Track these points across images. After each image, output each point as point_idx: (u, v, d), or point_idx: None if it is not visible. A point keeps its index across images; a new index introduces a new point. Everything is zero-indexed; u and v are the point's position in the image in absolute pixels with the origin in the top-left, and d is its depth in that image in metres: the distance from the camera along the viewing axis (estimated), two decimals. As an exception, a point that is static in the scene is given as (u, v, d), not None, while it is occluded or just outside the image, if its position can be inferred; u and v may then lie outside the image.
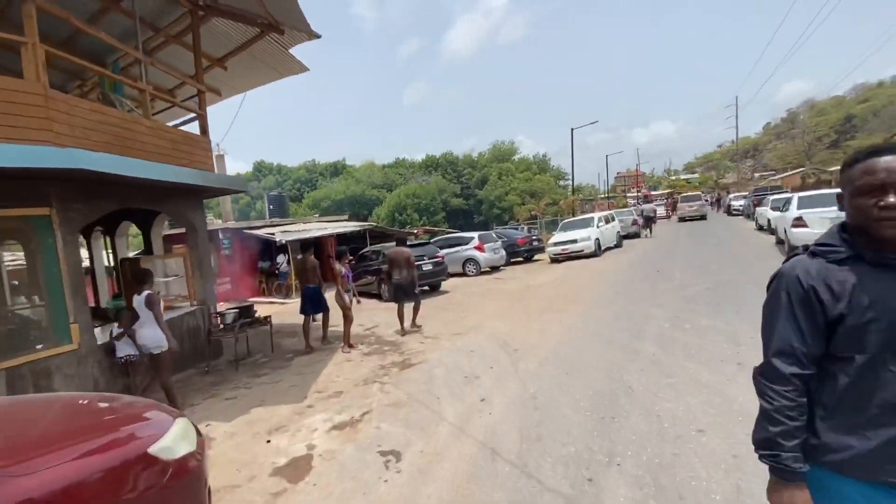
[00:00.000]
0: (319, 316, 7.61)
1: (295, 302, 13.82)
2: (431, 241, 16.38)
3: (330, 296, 7.25)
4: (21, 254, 4.35)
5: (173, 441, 2.24)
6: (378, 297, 12.12)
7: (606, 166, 44.47)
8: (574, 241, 15.17)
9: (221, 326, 6.66)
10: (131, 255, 10.03)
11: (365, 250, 13.09)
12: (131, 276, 6.72)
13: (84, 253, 11.40)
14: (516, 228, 35.00)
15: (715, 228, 20.88)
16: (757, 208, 18.16)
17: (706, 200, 34.32)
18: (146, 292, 4.82)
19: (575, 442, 3.30)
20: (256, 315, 7.43)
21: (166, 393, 4.82)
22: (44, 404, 2.64)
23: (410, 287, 7.43)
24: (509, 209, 53.81)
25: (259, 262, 16.16)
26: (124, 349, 4.99)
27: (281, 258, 15.65)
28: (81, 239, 10.95)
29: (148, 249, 8.32)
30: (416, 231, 21.22)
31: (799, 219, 9.99)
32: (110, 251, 9.29)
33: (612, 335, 5.84)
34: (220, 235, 15.42)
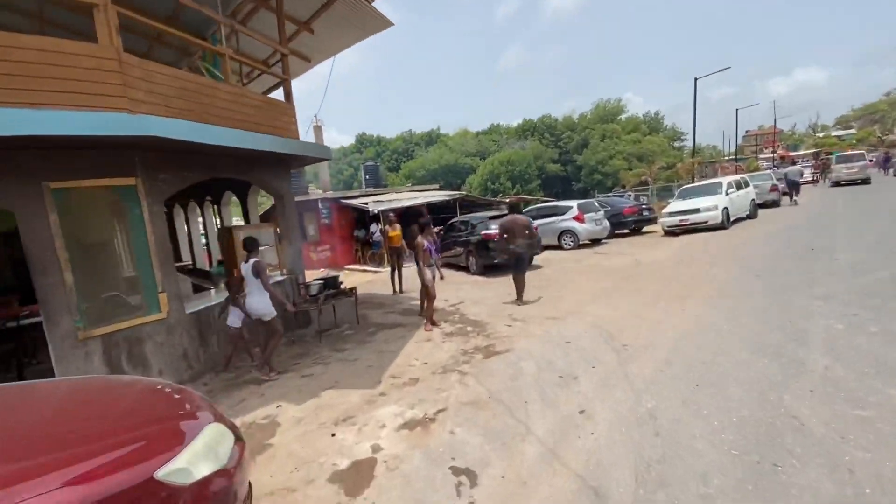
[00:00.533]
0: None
1: (388, 271, 13.98)
2: (524, 210, 15.30)
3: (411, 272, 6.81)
4: (114, 224, 4.42)
5: (191, 460, 1.83)
6: (466, 269, 11.59)
7: (736, 123, 37.86)
8: (696, 211, 12.92)
9: (306, 298, 6.63)
10: (231, 223, 10.76)
11: (454, 220, 12.54)
12: (239, 244, 7.00)
13: (200, 220, 12.62)
14: (621, 196, 31.93)
15: (885, 195, 16.45)
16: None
17: (871, 160, 27.13)
18: (253, 260, 4.84)
19: (718, 497, 2.35)
20: (342, 286, 7.33)
21: (265, 360, 4.96)
22: (39, 398, 2.35)
23: (529, 257, 7.19)
24: (613, 175, 49.38)
25: (355, 231, 16.63)
26: (232, 319, 5.16)
27: (374, 227, 15.89)
28: (197, 207, 12.07)
29: (246, 218, 8.67)
30: (507, 199, 20.12)
31: None
32: (219, 219, 9.95)
33: (758, 335, 4.50)
34: (320, 205, 16.08)
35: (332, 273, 9.27)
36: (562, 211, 13.82)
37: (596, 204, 14.30)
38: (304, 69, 10.11)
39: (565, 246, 13.59)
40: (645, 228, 15.65)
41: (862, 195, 17.97)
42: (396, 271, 9.79)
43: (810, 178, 28.58)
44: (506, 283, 9.52)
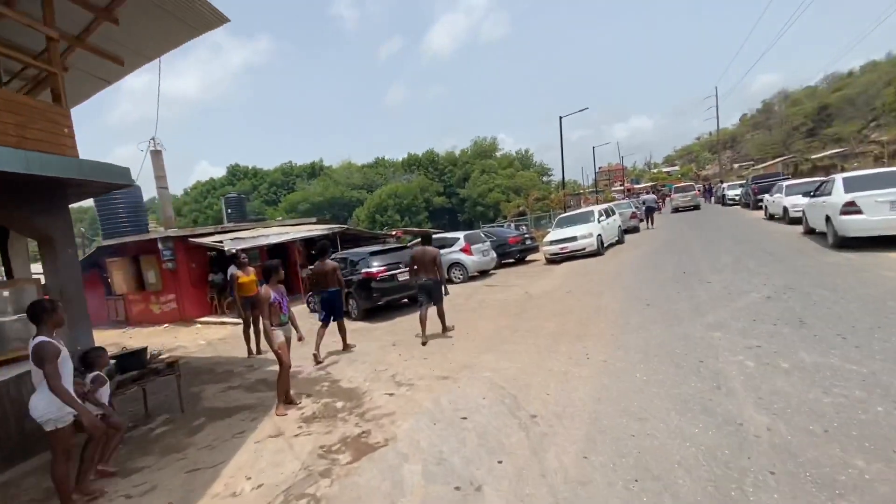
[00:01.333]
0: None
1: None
2: (409, 244, 14.32)
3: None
4: None
5: None
6: (346, 314, 9.96)
7: (593, 158, 42.90)
8: (574, 239, 13.24)
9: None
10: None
11: (340, 255, 10.90)
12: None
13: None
14: (502, 226, 33.22)
15: (716, 219, 19.28)
16: (766, 196, 16.55)
17: (697, 190, 33.18)
18: (38, 340, 3.14)
19: None
20: (157, 359, 5.24)
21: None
22: None
23: (436, 289, 6.75)
24: (494, 206, 51.97)
25: (210, 275, 13.79)
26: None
27: (233, 270, 13.31)
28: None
29: (7, 270, 5.99)
30: (394, 233, 19.05)
31: (851, 203, 8.20)
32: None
33: (676, 384, 3.84)
34: (161, 245, 13.02)
35: (135, 346, 6.87)
36: (449, 243, 13.12)
37: (482, 235, 13.93)
38: (119, 75, 7.87)
39: (455, 279, 12.81)
40: (529, 257, 15.78)
41: (698, 219, 20.91)
42: (252, 327, 7.80)
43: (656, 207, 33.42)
44: (392, 328, 8.18)
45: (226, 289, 13.15)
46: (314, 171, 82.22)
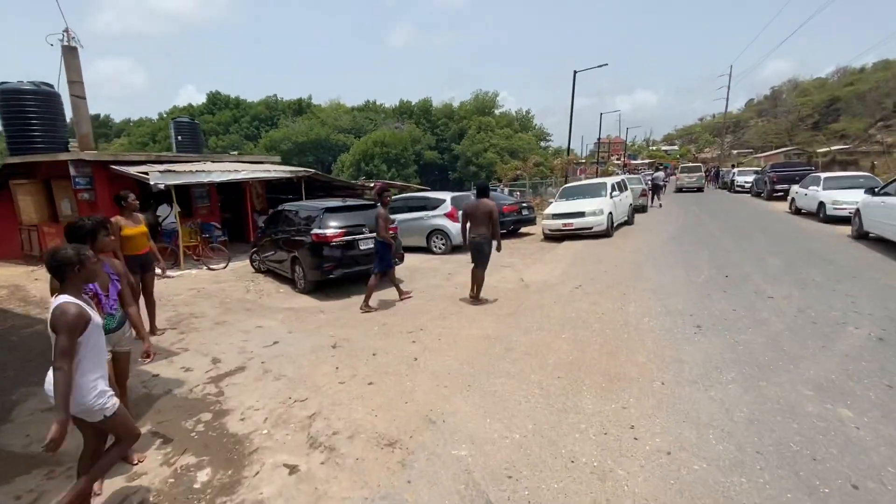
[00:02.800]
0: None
1: (183, 274, 9.38)
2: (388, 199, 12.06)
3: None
4: None
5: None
6: (292, 283, 7.84)
7: (600, 126, 40.17)
8: (581, 215, 11.13)
9: None
10: None
11: (280, 208, 8.58)
12: None
13: None
14: (495, 190, 30.78)
15: (731, 206, 17.42)
16: (794, 188, 14.60)
17: (704, 173, 31.66)
18: (60, 299, 2.28)
19: None
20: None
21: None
22: None
23: (486, 247, 6.09)
24: (487, 167, 49.10)
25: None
26: None
27: (164, 209, 10.90)
28: None
29: None
30: (372, 184, 16.57)
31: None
32: None
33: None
34: (73, 170, 10.42)
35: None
36: (433, 204, 10.89)
37: (472, 197, 11.66)
38: None
39: (435, 249, 10.71)
40: (523, 228, 13.70)
41: (709, 203, 19.19)
42: (146, 298, 5.61)
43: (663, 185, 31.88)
44: (342, 313, 6.12)
45: (155, 231, 10.80)
46: (301, 108, 76.84)
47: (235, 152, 47.31)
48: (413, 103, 63.64)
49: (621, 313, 5.32)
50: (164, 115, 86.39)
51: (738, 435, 2.78)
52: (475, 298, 6.32)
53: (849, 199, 10.82)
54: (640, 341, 4.41)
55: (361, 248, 7.15)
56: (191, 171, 10.38)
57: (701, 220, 13.76)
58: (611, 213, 11.37)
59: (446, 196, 10.81)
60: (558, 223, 11.43)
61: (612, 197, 11.86)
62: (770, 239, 9.59)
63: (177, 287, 8.17)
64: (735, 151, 61.75)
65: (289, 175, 12.48)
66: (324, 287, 7.48)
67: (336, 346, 4.84)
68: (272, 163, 14.54)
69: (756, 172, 24.45)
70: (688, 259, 8.13)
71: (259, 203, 14.65)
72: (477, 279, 6.28)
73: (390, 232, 6.32)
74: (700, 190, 27.82)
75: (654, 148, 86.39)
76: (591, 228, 11.07)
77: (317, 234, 6.91)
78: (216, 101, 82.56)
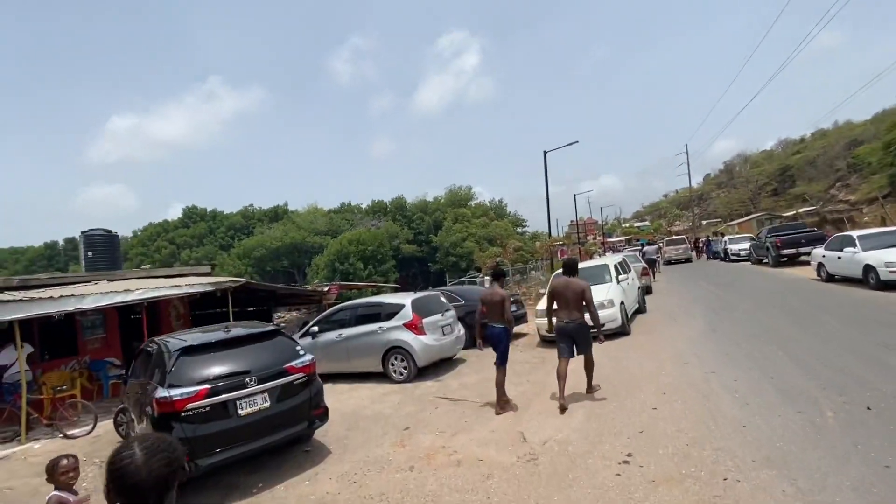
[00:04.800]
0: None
1: (17, 452, 6.07)
2: (334, 311, 9.36)
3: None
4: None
5: None
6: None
7: (575, 206, 39.77)
8: (585, 309, 8.51)
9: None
10: None
11: (146, 344, 5.62)
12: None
13: None
14: (475, 280, 28.30)
15: (740, 277, 15.20)
16: (821, 251, 12.51)
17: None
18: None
19: None
20: None
21: None
22: None
23: (583, 332, 5.37)
24: (467, 256, 47.53)
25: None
26: None
27: (5, 355, 7.77)
28: None
29: None
30: (327, 288, 13.85)
31: None
32: None
33: None
34: None
35: None
36: (387, 312, 8.08)
37: (442, 299, 8.93)
38: None
39: (395, 375, 7.71)
40: (515, 328, 10.87)
41: (704, 273, 17.65)
42: None
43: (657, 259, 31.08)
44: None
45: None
46: (277, 214, 76.75)
47: (207, 262, 44.97)
48: (385, 202, 64.10)
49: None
50: (137, 233, 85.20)
51: None
52: (591, 388, 5.60)
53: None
54: None
55: (242, 411, 4.17)
56: (51, 298, 7.53)
57: (723, 297, 11.31)
58: (622, 302, 8.77)
59: (405, 300, 8.05)
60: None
61: (619, 282, 9.37)
62: (843, 322, 7.00)
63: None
64: (704, 222, 63.42)
65: (209, 288, 9.73)
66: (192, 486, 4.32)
67: None
68: (197, 274, 11.84)
69: (751, 239, 22.98)
70: (765, 369, 5.36)
71: (179, 325, 11.69)
72: (587, 365, 5.64)
73: None
74: (689, 261, 27.77)
75: (627, 225, 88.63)
76: (603, 326, 8.35)
77: (161, 399, 3.96)
78: (192, 216, 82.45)
